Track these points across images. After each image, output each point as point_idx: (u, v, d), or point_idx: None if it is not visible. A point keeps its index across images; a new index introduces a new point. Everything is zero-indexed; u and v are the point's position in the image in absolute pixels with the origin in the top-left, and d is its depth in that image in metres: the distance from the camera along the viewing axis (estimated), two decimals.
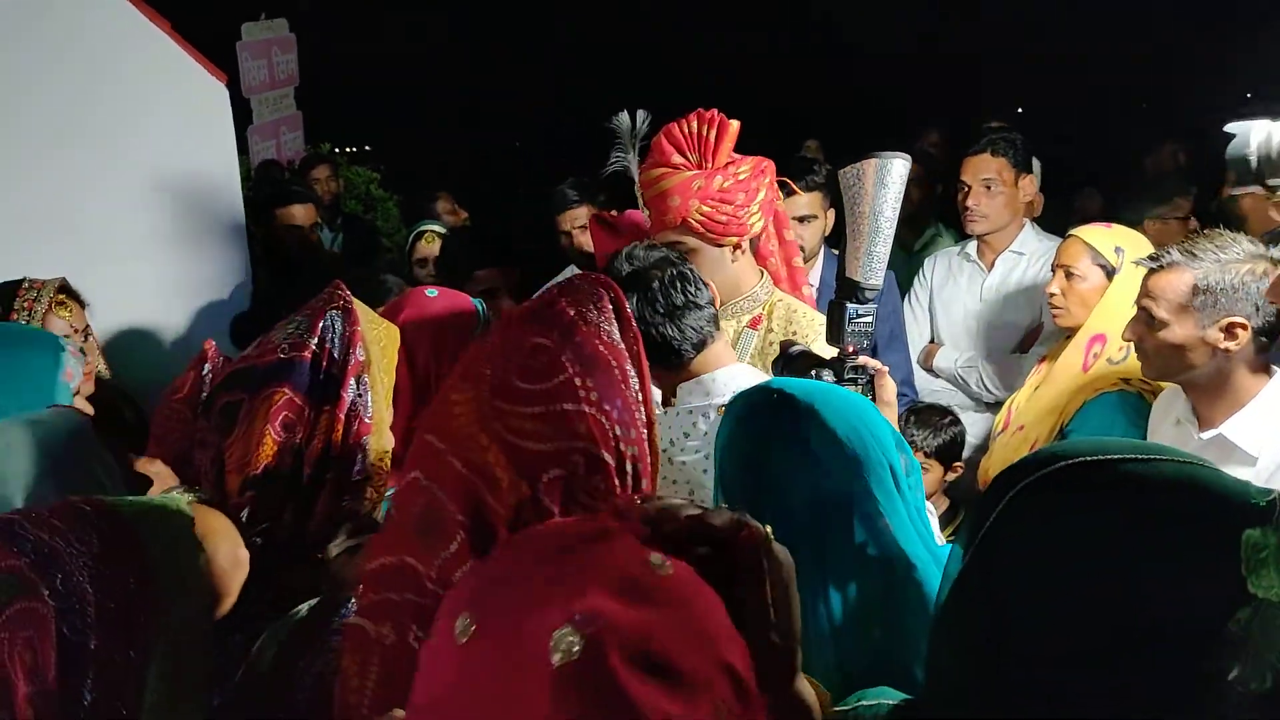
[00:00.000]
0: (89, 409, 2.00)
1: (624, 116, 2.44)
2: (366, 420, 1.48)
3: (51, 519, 0.96)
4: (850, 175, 1.73)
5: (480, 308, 1.98)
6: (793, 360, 1.79)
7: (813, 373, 1.70)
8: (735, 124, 2.17)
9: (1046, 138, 4.65)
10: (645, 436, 0.90)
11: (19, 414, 1.80)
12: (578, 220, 3.49)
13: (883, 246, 1.74)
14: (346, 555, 1.39)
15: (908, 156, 1.72)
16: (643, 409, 0.90)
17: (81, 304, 2.52)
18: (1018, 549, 0.86)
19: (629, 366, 0.90)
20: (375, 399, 1.53)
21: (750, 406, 1.33)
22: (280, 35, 6.50)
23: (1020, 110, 7.89)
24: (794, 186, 2.75)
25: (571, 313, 0.91)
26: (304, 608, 1.27)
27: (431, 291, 1.97)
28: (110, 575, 0.95)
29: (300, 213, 3.75)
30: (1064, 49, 7.59)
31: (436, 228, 3.89)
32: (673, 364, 1.81)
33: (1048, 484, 0.86)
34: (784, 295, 2.30)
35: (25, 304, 2.42)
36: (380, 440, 1.56)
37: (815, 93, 7.94)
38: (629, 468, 0.87)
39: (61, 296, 2.45)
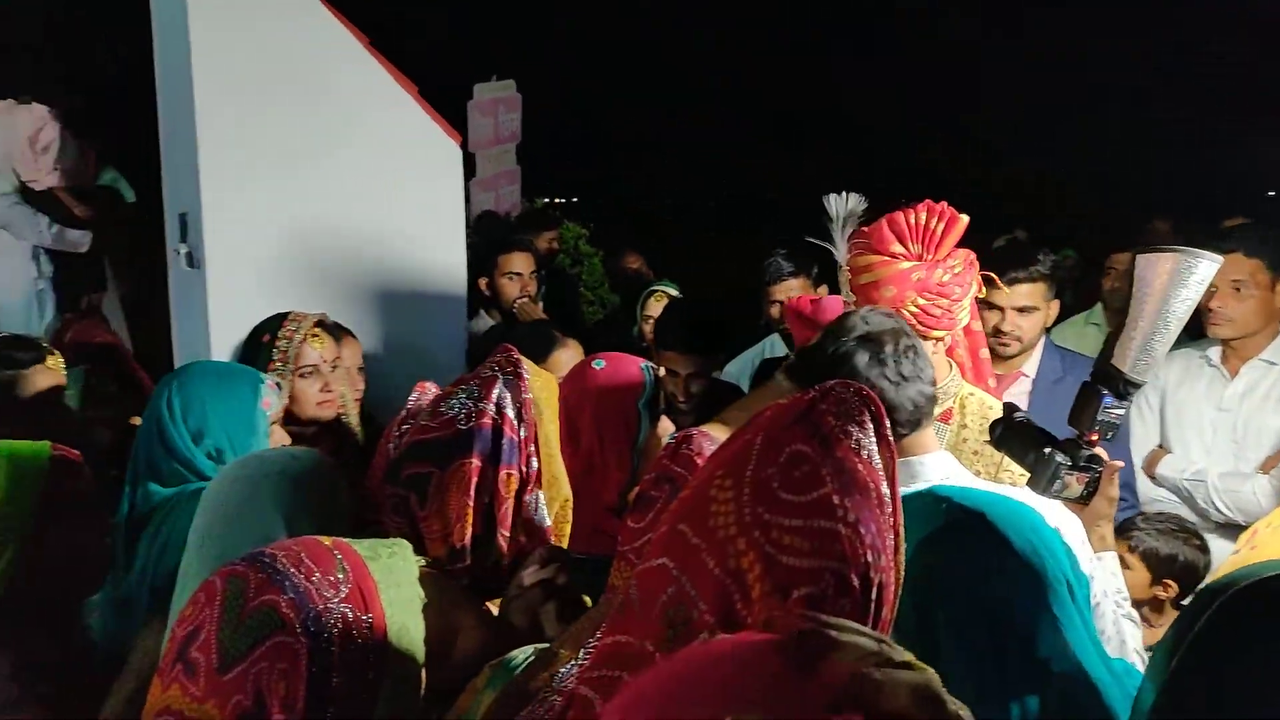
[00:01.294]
0: (286, 437, 2.19)
1: (837, 199, 2.42)
2: (535, 471, 1.54)
3: (305, 559, 1.02)
4: (1145, 264, 1.65)
5: (647, 373, 1.98)
6: (1015, 427, 1.71)
7: (1043, 451, 1.62)
8: (964, 219, 2.11)
9: None
10: (893, 563, 0.86)
11: (237, 438, 1.98)
12: (791, 292, 3.50)
13: (1162, 345, 1.66)
14: (541, 591, 1.40)
15: (1218, 258, 1.62)
16: (893, 534, 0.87)
17: (336, 337, 2.69)
18: (1227, 660, 0.82)
19: (885, 488, 0.88)
20: (550, 452, 1.59)
21: (917, 515, 1.28)
22: (508, 94, 6.86)
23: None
24: (998, 281, 2.64)
25: (833, 422, 0.89)
26: (518, 657, 1.28)
27: (599, 363, 1.99)
28: (352, 618, 1.00)
29: (521, 260, 3.99)
30: None
31: (668, 289, 4.01)
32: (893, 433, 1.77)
33: (1260, 593, 0.81)
34: (973, 389, 2.24)
35: (287, 333, 2.61)
36: (561, 489, 1.60)
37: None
38: (874, 594, 0.84)
39: (317, 330, 2.63)
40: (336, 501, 1.50)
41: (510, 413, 1.51)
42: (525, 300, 3.99)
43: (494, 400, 1.52)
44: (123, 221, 5.54)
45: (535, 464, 1.54)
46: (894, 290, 2.08)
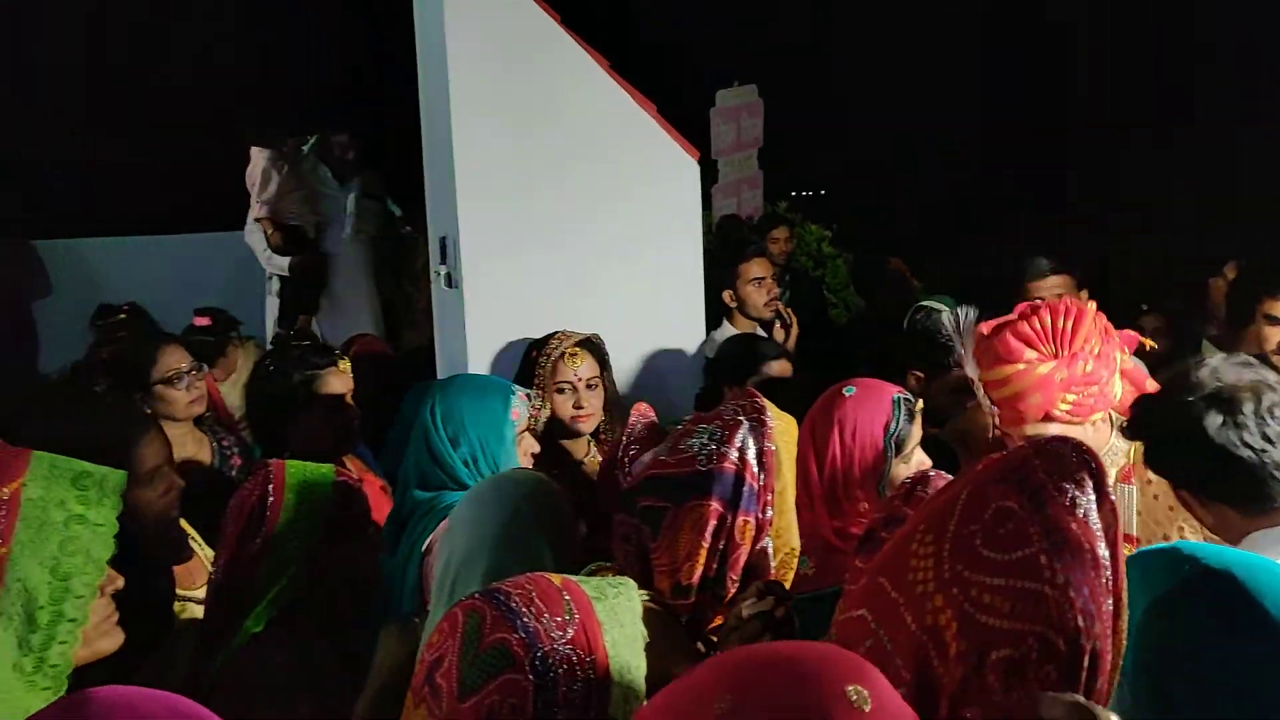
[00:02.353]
0: (535, 445, 2.31)
1: (950, 316, 2.28)
2: (769, 517, 1.56)
3: (536, 599, 1.09)
4: None
5: (898, 405, 1.91)
6: None
7: None
8: (1091, 309, 2.01)
9: None
10: (1110, 629, 0.82)
11: (488, 446, 2.13)
12: (1054, 290, 3.34)
13: None
14: (759, 624, 1.42)
15: None
16: (1112, 599, 0.82)
17: (599, 357, 2.80)
18: None
19: (1102, 549, 0.83)
20: (784, 500, 1.62)
21: (1152, 573, 1.16)
22: (749, 101, 6.89)
23: None
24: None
25: (1045, 479, 0.86)
26: None
27: (849, 389, 1.94)
28: (576, 660, 1.05)
29: (761, 266, 4.00)
30: None
31: (932, 304, 3.87)
32: (1257, 505, 1.57)
33: None
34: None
35: (549, 349, 2.76)
36: (790, 539, 1.59)
37: None
38: (1086, 661, 0.80)
39: (576, 349, 2.75)
40: (562, 520, 1.60)
41: (752, 459, 1.54)
42: (774, 302, 3.99)
43: (736, 445, 1.54)
44: (392, 240, 6.07)
45: (770, 513, 1.55)
46: (1039, 397, 1.96)
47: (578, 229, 3.15)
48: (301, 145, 5.60)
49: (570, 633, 1.06)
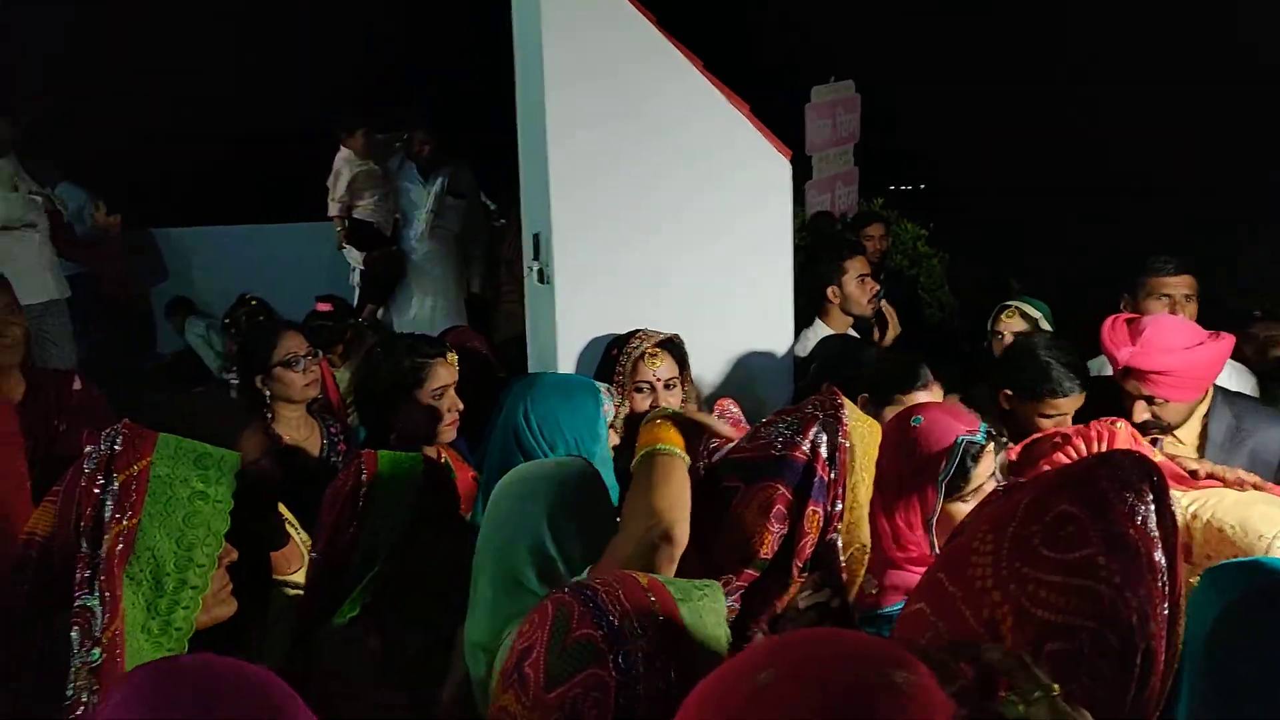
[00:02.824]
0: (614, 438, 2.35)
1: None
2: (839, 510, 1.59)
3: (623, 599, 1.12)
4: None
5: (958, 446, 1.88)
6: None
7: None
8: (1124, 431, 2.07)
9: None
10: (1165, 631, 0.84)
11: (584, 444, 2.17)
12: (1181, 289, 3.27)
13: None
14: (815, 615, 1.46)
15: None
16: (1169, 604, 0.84)
17: (678, 358, 2.84)
18: None
19: (1159, 555, 0.85)
20: (857, 498, 1.63)
21: (1227, 583, 1.15)
22: (846, 96, 6.85)
23: None
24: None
25: (1107, 489, 0.88)
26: None
27: (917, 419, 1.94)
28: (659, 664, 1.08)
29: (864, 263, 3.98)
30: None
31: (1024, 306, 3.80)
32: None
33: None
34: None
35: (630, 349, 2.82)
36: (861, 532, 1.63)
37: None
38: (1139, 660, 0.82)
39: (656, 349, 2.80)
40: (601, 506, 1.61)
41: (824, 453, 1.59)
42: (877, 302, 3.97)
43: (810, 438, 1.60)
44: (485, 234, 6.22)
45: (839, 506, 1.59)
46: None
47: (668, 227, 3.20)
48: (390, 143, 5.77)
49: (654, 632, 1.09)
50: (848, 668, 0.77)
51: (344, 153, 5.48)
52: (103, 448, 1.34)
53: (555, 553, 1.50)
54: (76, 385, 2.87)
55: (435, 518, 1.94)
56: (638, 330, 2.86)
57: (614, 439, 2.37)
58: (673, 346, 2.84)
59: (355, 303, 5.65)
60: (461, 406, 2.76)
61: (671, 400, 2.78)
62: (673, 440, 1.65)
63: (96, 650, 1.24)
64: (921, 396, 2.69)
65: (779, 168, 3.34)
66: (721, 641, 1.15)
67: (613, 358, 2.80)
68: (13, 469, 1.69)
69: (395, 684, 1.78)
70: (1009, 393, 2.81)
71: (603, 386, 2.32)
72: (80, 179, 5.97)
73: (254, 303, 5.15)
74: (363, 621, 1.81)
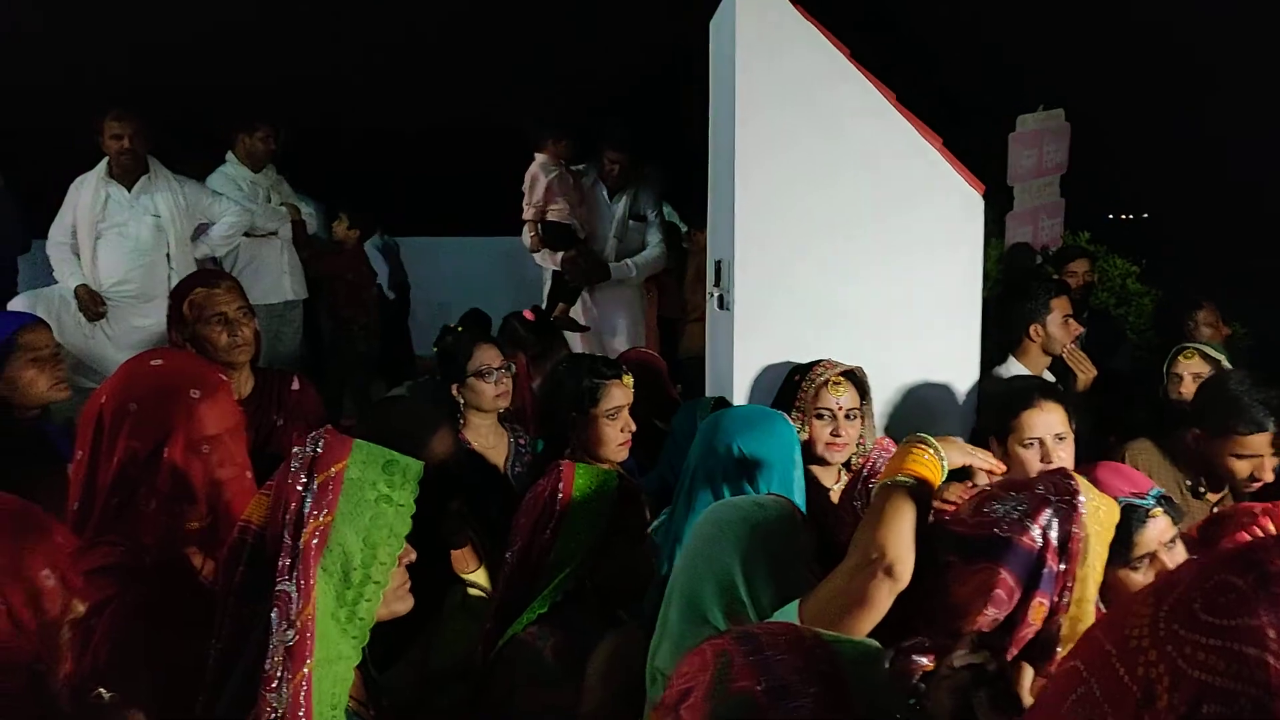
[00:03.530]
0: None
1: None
2: (1065, 602, 1.51)
3: (789, 651, 1.10)
4: None
5: (1121, 507, 1.77)
6: None
7: None
8: None
9: None
10: None
11: (785, 473, 2.20)
12: None
13: None
14: (970, 676, 1.42)
15: None
16: None
17: (862, 390, 2.85)
18: None
19: None
20: (1085, 590, 1.54)
21: None
22: (1055, 124, 6.58)
23: None
24: None
25: (1277, 570, 0.86)
26: None
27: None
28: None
29: (1067, 303, 3.80)
30: None
31: (1208, 350, 3.58)
32: None
33: None
34: None
35: (813, 376, 2.84)
36: (1078, 625, 1.54)
37: None
38: None
39: (840, 379, 2.81)
40: (797, 550, 1.62)
41: (1054, 540, 1.50)
42: (1074, 348, 3.80)
43: (1041, 524, 1.50)
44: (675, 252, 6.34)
45: (1067, 598, 1.52)
46: None
47: (853, 259, 3.19)
48: (575, 158, 5.97)
49: (815, 689, 1.06)
50: None
51: (539, 159, 5.70)
52: (307, 450, 1.47)
53: (745, 596, 1.53)
54: (295, 386, 3.15)
55: (624, 530, 2.02)
56: (821, 359, 2.88)
57: None
58: (856, 379, 2.85)
59: (545, 304, 5.84)
60: (634, 427, 2.86)
61: (851, 431, 2.79)
62: (921, 471, 1.64)
63: (291, 631, 1.37)
64: (1035, 418, 2.60)
65: (971, 202, 3.28)
66: (890, 710, 1.14)
67: (795, 384, 2.83)
68: (239, 458, 1.87)
69: (571, 684, 1.85)
70: (1198, 432, 2.66)
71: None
72: (311, 191, 6.48)
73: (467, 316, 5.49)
74: (547, 621, 1.90)
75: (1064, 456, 2.54)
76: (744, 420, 2.31)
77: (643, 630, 1.75)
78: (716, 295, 3.26)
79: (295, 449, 1.48)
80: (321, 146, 6.82)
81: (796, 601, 1.58)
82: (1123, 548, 1.80)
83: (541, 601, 1.90)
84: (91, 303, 4.73)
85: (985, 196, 3.33)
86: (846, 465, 2.84)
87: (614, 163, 5.72)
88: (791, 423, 2.35)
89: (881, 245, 3.20)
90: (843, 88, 3.16)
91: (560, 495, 1.95)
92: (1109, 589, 1.79)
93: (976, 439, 2.82)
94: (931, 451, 1.70)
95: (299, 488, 1.43)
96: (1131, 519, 1.81)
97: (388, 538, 1.46)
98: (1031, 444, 2.57)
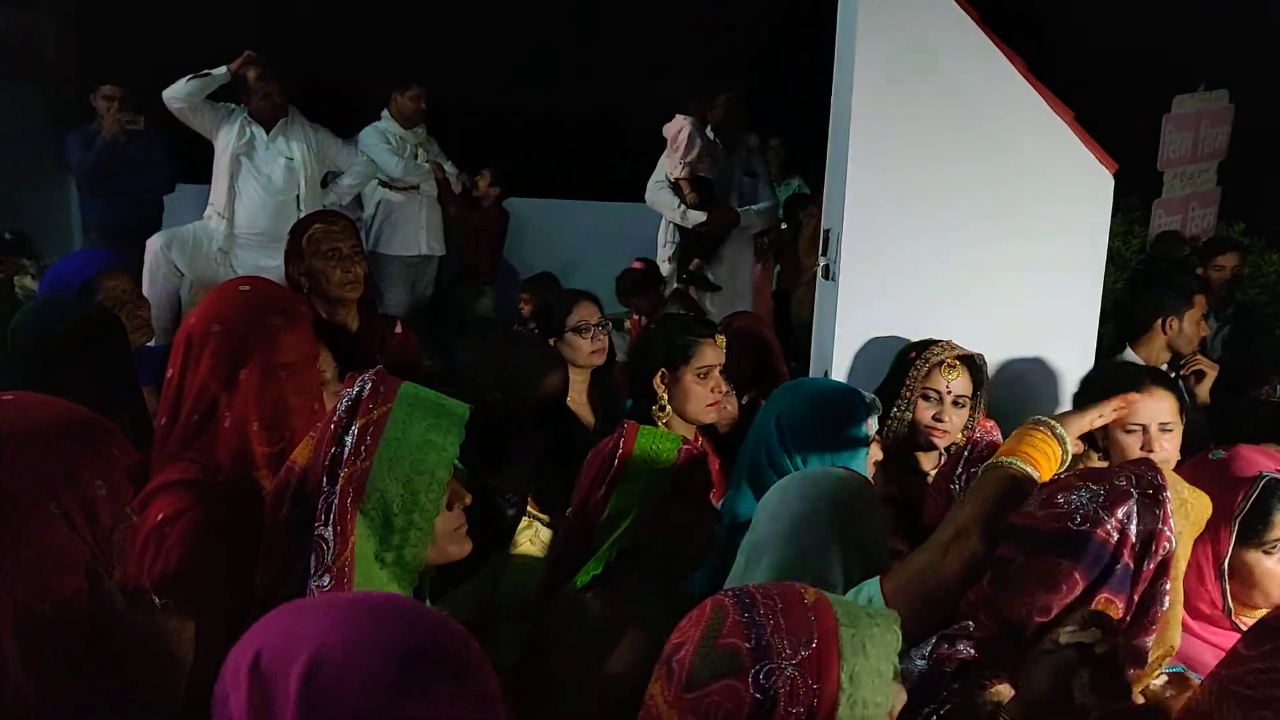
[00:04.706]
0: (878, 453, 2.29)
1: None
2: (1159, 611, 1.40)
3: (779, 613, 1.08)
4: None
5: (1256, 481, 1.66)
6: None
7: None
8: None
9: None
10: None
11: (840, 458, 2.12)
12: None
13: None
14: (1076, 654, 1.33)
15: None
16: None
17: (975, 378, 2.72)
18: None
19: None
20: (1174, 593, 1.42)
21: None
22: (1216, 107, 6.17)
23: None
24: None
25: None
26: None
27: (1217, 453, 1.73)
28: (801, 684, 1.03)
29: (1199, 302, 3.59)
30: None
31: None
32: None
33: None
34: None
35: (926, 356, 2.72)
36: (1172, 634, 1.44)
37: None
38: None
39: (955, 361, 2.70)
40: (879, 524, 1.56)
41: (1133, 536, 1.40)
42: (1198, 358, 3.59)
43: (1119, 517, 1.40)
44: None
45: (1157, 607, 1.41)
46: None
47: (968, 234, 3.06)
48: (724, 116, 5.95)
49: (804, 654, 1.04)
50: None
51: (688, 119, 5.71)
52: (353, 390, 1.44)
53: (840, 576, 1.48)
54: (398, 330, 3.23)
55: (684, 495, 1.96)
56: (940, 340, 2.75)
57: (877, 454, 2.30)
58: (973, 365, 2.72)
59: (679, 257, 5.82)
60: (725, 389, 2.80)
61: (956, 418, 2.68)
62: (1036, 456, 1.58)
63: (327, 577, 1.35)
64: (1143, 402, 2.39)
65: (1101, 181, 3.09)
66: (885, 677, 1.08)
67: (908, 360, 2.71)
68: (313, 389, 1.88)
69: (620, 644, 1.80)
70: None
71: (867, 397, 2.24)
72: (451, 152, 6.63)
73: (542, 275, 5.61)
74: (600, 582, 1.87)
75: (1168, 449, 2.38)
76: (805, 396, 2.23)
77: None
78: (823, 265, 3.18)
79: (344, 391, 1.45)
80: (459, 110, 6.97)
81: (877, 578, 1.53)
82: (1259, 527, 1.66)
83: (596, 562, 1.87)
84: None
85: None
86: (948, 452, 2.72)
87: (733, 120, 5.74)
88: (866, 401, 2.22)
89: (1000, 221, 3.06)
90: (969, 54, 3.01)
91: (619, 453, 1.92)
92: (1236, 571, 1.68)
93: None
94: (1052, 437, 1.62)
95: (339, 430, 1.41)
96: (1270, 494, 1.66)
97: (429, 485, 1.42)
98: (1135, 430, 2.41)
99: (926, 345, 2.75)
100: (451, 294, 7.25)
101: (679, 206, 5.72)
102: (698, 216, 5.71)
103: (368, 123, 5.74)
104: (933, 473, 2.70)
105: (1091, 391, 2.56)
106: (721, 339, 2.82)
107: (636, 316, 5.29)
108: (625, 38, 7.93)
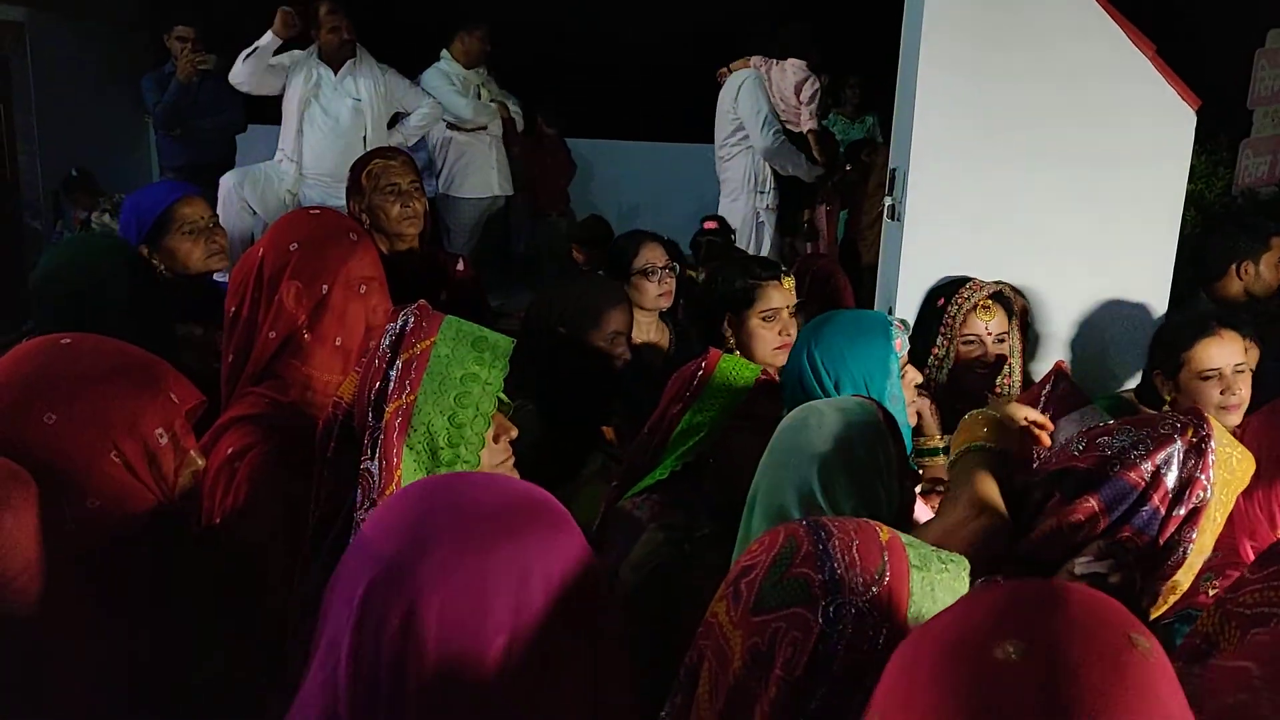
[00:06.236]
0: (918, 376, 2.27)
1: None
2: (1180, 557, 1.39)
3: (854, 548, 1.08)
4: None
5: None
6: None
7: None
8: None
9: None
10: None
11: (874, 382, 2.10)
12: None
13: None
14: (1089, 584, 1.33)
15: None
16: None
17: (1009, 311, 2.71)
18: None
19: None
20: (1199, 544, 1.41)
21: None
22: None
23: None
24: None
25: None
26: None
27: None
28: (870, 617, 1.04)
29: (1278, 244, 3.47)
30: None
31: None
32: None
33: None
34: None
35: (959, 299, 2.69)
36: (1184, 579, 1.43)
37: None
38: None
39: (988, 302, 2.67)
40: (877, 457, 1.51)
41: (1169, 482, 1.39)
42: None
43: (1156, 462, 1.40)
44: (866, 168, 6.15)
45: (1178, 552, 1.40)
46: None
47: (1039, 173, 2.98)
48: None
49: (874, 591, 1.05)
50: (1095, 637, 0.75)
51: (802, 65, 5.62)
52: (396, 326, 1.45)
53: (824, 503, 1.47)
54: (460, 267, 3.26)
55: (753, 418, 1.97)
56: (966, 279, 2.71)
57: (916, 376, 2.26)
58: (1004, 299, 2.68)
59: (769, 209, 5.73)
60: (794, 332, 2.77)
61: (999, 350, 2.64)
62: (990, 437, 1.60)
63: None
64: (1212, 347, 2.37)
65: (1181, 118, 2.97)
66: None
67: (939, 308, 2.67)
68: (387, 308, 1.86)
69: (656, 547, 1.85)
70: None
71: (895, 320, 2.20)
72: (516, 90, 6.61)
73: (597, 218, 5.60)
74: (657, 490, 1.92)
75: (1243, 391, 2.32)
76: (834, 325, 2.20)
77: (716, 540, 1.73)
78: (889, 204, 3.12)
79: (387, 325, 1.46)
80: (521, 48, 6.94)
81: None
82: None
83: (662, 469, 1.90)
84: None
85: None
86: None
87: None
88: (897, 330, 2.17)
89: (1072, 159, 2.96)
90: None
91: (700, 374, 1.95)
92: None
93: (1145, 378, 2.62)
94: (990, 419, 1.65)
95: (383, 365, 1.42)
96: None
97: (473, 418, 1.42)
98: (1210, 376, 2.35)
99: (954, 290, 2.69)
100: (522, 235, 7.34)
101: (804, 161, 5.55)
102: (817, 170, 5.62)
103: (429, 64, 5.74)
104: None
105: (1163, 346, 2.50)
106: (789, 280, 2.79)
107: None
108: None
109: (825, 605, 1.03)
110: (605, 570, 1.70)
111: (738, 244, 5.18)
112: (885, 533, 1.12)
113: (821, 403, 1.60)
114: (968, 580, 1.12)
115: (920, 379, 2.27)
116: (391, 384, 1.41)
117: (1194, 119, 2.97)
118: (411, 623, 0.92)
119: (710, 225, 4.86)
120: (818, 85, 5.55)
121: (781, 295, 2.75)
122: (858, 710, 0.90)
